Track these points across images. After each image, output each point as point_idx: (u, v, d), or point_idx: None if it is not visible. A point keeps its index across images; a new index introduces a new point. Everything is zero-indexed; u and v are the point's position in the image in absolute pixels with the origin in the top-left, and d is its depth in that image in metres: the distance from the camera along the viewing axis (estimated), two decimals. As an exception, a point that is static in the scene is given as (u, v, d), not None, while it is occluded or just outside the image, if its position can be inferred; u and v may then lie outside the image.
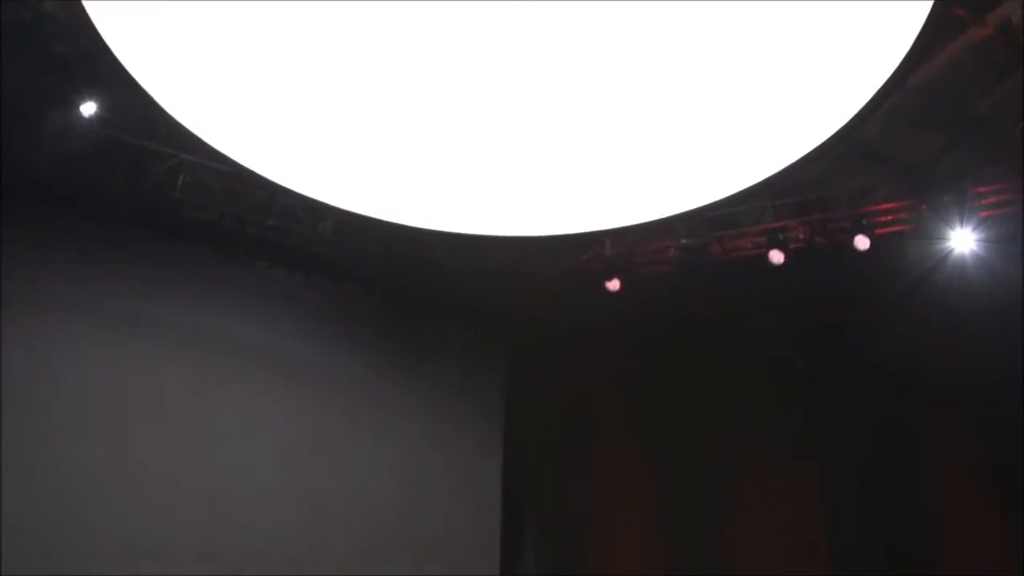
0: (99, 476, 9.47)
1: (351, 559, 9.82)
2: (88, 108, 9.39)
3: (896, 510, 11.17)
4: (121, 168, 9.97)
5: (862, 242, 10.49)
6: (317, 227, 10.81)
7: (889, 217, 10.78)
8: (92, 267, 10.07)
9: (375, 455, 10.95)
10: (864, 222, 10.61)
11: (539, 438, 12.40)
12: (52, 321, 9.72)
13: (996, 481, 10.67)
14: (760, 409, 11.80)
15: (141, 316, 10.19)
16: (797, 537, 11.53)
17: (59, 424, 9.44)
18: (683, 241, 11.14)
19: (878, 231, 10.67)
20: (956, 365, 10.85)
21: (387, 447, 11.04)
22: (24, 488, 8.99)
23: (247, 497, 10.03)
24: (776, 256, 10.82)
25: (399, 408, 11.25)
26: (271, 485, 10.21)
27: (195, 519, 9.69)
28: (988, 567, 10.51)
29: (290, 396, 10.76)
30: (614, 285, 11.42)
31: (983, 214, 10.37)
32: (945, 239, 10.54)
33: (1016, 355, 9.99)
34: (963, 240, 10.46)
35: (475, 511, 11.19)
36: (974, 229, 10.38)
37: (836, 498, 11.69)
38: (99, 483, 9.44)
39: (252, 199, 10.45)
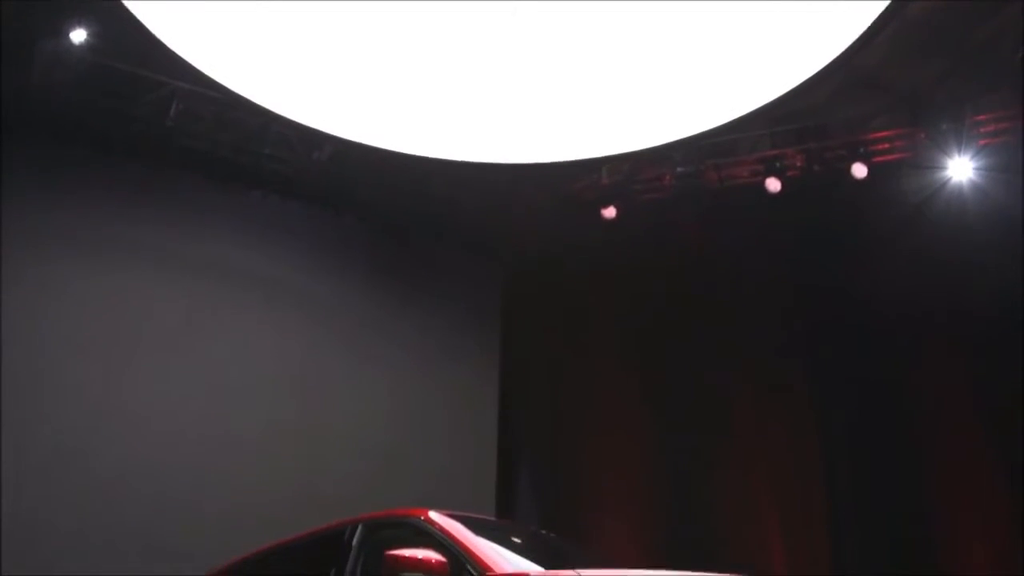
0: (96, 404, 9.52)
1: (348, 485, 9.90)
2: (79, 36, 9.30)
3: (891, 444, 11.25)
4: (114, 97, 9.90)
5: (859, 170, 10.46)
6: (312, 156, 10.75)
7: (887, 145, 10.74)
8: (87, 197, 10.03)
9: (371, 383, 11.00)
10: (862, 150, 10.58)
11: (535, 366, 12.46)
12: (48, 252, 9.70)
13: (993, 415, 10.74)
14: (755, 339, 11.84)
15: (136, 245, 10.17)
16: (790, 470, 11.64)
17: (57, 353, 9.48)
18: (679, 169, 11.11)
19: (876, 159, 10.64)
20: (953, 295, 10.87)
21: (383, 375, 11.09)
22: (23, 419, 9.05)
23: (244, 424, 10.10)
24: (773, 184, 10.80)
25: (395, 337, 11.28)
26: (268, 413, 10.27)
27: (192, 446, 9.77)
28: (982, 503, 10.62)
29: (286, 325, 10.78)
30: (610, 213, 11.40)
31: (982, 142, 10.33)
32: (943, 167, 10.51)
33: (1015, 285, 9.99)
34: (961, 168, 10.43)
35: (472, 439, 11.27)
36: (972, 157, 10.35)
37: (829, 431, 11.77)
38: (96, 411, 9.49)
39: (246, 127, 10.38)
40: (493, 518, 8.09)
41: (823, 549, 11.19)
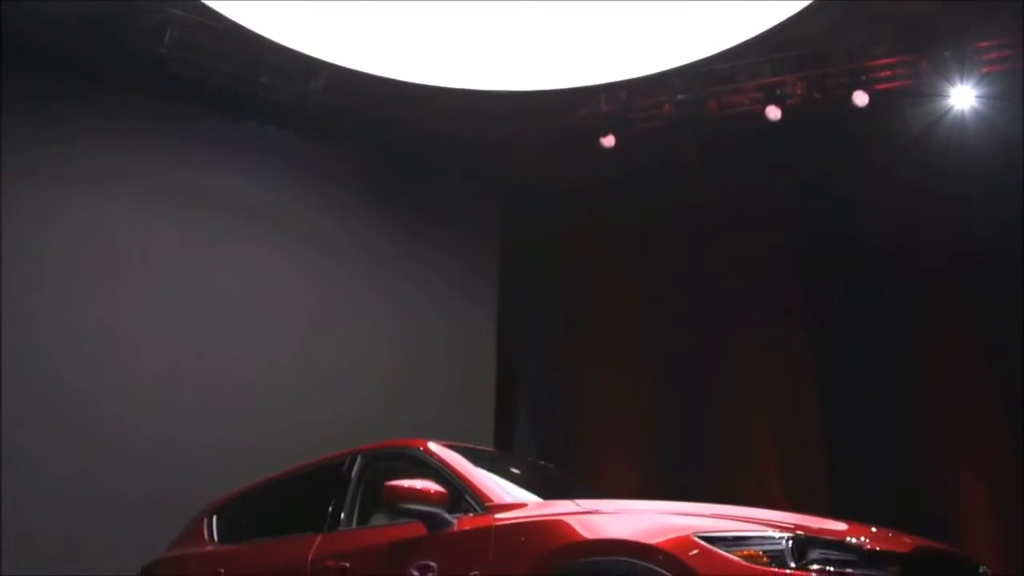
0: (95, 338, 9.53)
1: (346, 417, 9.95)
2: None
3: (891, 381, 11.29)
4: (108, 25, 9.75)
5: (860, 98, 10.36)
6: (309, 84, 10.65)
7: (888, 73, 10.62)
8: (82, 128, 9.95)
9: (369, 313, 11.01)
10: (863, 78, 10.47)
11: (533, 295, 12.47)
12: (44, 184, 9.64)
13: (994, 352, 10.77)
14: (753, 270, 11.83)
15: (132, 176, 10.11)
16: (789, 404, 11.69)
17: (56, 284, 9.47)
18: (679, 97, 11.01)
19: (877, 87, 10.53)
20: (954, 226, 10.85)
21: (381, 305, 11.09)
22: (21, 354, 9.06)
23: (243, 356, 10.13)
24: (773, 112, 10.70)
25: (393, 266, 11.26)
26: (266, 344, 10.29)
27: (191, 379, 9.80)
28: (982, 443, 10.69)
29: (284, 255, 10.76)
30: (609, 142, 11.32)
31: (984, 70, 10.22)
32: (945, 96, 10.41)
33: (1016, 215, 9.95)
34: (963, 97, 10.33)
35: (470, 368, 11.31)
36: (974, 85, 10.25)
37: (829, 363, 11.81)
38: (95, 345, 9.51)
39: (242, 56, 10.26)
40: (492, 449, 8.14)
41: (821, 484, 11.30)
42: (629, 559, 4.10)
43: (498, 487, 5.01)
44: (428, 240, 11.52)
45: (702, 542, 3.98)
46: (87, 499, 8.91)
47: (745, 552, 3.91)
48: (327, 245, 11.01)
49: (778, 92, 10.74)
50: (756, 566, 3.87)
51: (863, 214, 11.33)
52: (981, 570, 4.46)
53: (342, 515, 5.59)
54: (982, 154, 10.33)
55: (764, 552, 3.90)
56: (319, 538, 5.53)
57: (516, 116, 10.87)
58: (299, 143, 11.08)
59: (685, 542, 4.01)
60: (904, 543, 4.16)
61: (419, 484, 4.85)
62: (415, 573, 4.83)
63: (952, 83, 10.29)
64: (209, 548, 6.48)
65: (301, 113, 10.93)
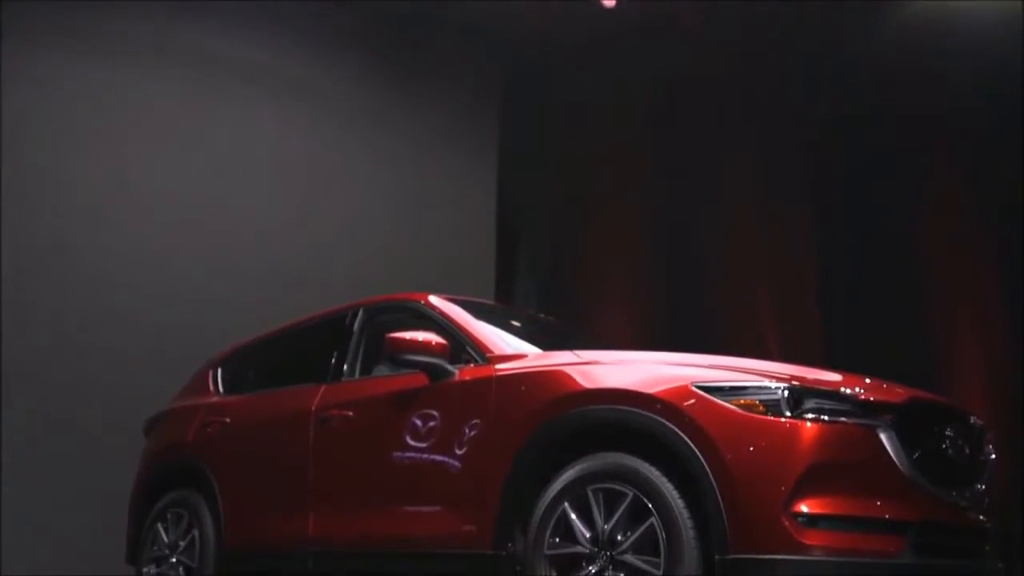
0: (97, 199, 9.46)
1: (347, 273, 9.98)
2: None
3: (889, 239, 11.31)
4: None
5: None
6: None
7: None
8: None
9: (369, 171, 10.94)
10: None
11: (533, 152, 12.38)
12: (45, 43, 9.45)
13: (989, 205, 10.75)
14: (756, 132, 11.74)
15: (132, 38, 9.90)
16: (788, 255, 11.74)
17: (56, 149, 9.37)
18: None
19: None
20: (953, 79, 10.70)
21: (381, 163, 11.01)
22: (23, 216, 9.03)
23: (244, 214, 10.10)
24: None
25: (393, 124, 11.13)
26: (267, 202, 10.25)
27: (193, 237, 9.79)
28: (974, 285, 10.75)
29: (284, 115, 10.62)
30: (610, 2, 11.06)
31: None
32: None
33: (1015, 68, 9.79)
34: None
35: (470, 225, 11.29)
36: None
37: (828, 220, 11.81)
38: (97, 206, 9.44)
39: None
40: (492, 302, 8.20)
41: (817, 338, 11.43)
42: (628, 408, 4.17)
43: (498, 338, 5.06)
44: (428, 96, 11.37)
45: (700, 392, 4.04)
46: (90, 354, 9.00)
47: (742, 401, 3.97)
48: (327, 104, 10.86)
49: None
50: (753, 415, 3.94)
51: (863, 69, 11.14)
52: (973, 421, 4.54)
53: (345, 367, 5.67)
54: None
55: (760, 402, 3.96)
56: (322, 389, 5.62)
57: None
58: (297, 2, 10.82)
59: (683, 392, 4.07)
60: (898, 394, 4.23)
61: (421, 336, 4.90)
62: (417, 422, 4.93)
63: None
64: (215, 399, 6.59)
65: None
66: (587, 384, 4.38)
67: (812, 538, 3.76)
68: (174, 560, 6.08)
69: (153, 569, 6.20)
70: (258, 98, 10.52)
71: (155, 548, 6.24)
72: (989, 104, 10.27)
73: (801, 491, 3.79)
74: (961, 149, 10.87)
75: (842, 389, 4.06)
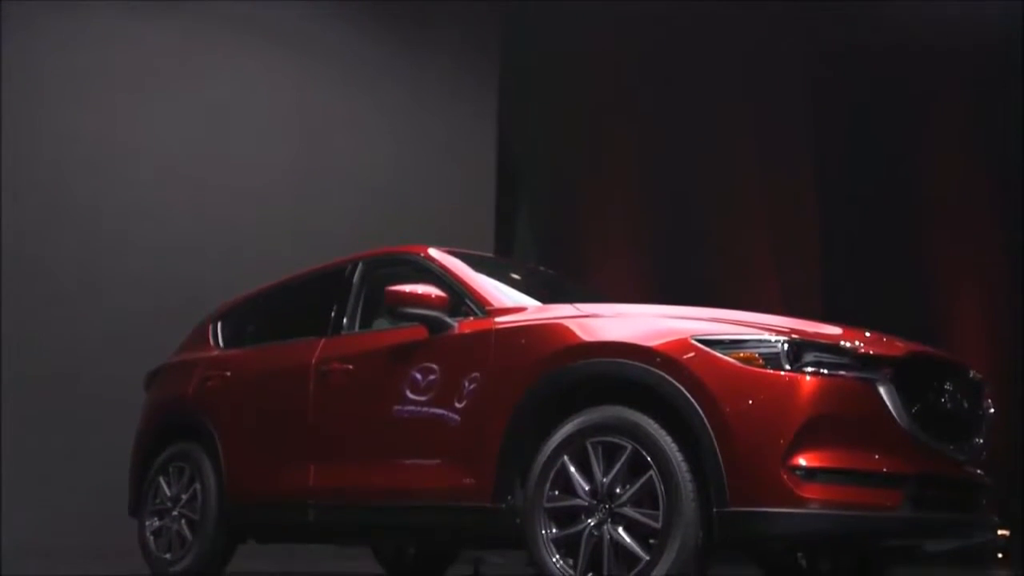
0: (95, 151, 9.46)
1: (347, 226, 9.96)
2: None
3: (887, 183, 11.26)
4: None
5: None
6: None
7: None
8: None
9: (369, 123, 10.89)
10: None
11: (533, 102, 12.31)
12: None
13: (988, 151, 10.71)
14: (757, 76, 11.67)
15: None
16: (787, 206, 11.71)
17: (55, 99, 9.34)
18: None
19: None
20: (955, 18, 10.61)
21: (382, 115, 10.96)
22: (22, 167, 9.01)
23: (243, 166, 10.07)
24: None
25: (393, 76, 11.07)
26: (267, 154, 10.22)
27: (192, 190, 9.78)
28: (976, 244, 10.73)
29: (283, 66, 10.56)
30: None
31: None
32: None
33: (1016, 7, 9.70)
34: None
35: (470, 178, 11.26)
36: None
37: (827, 163, 11.77)
38: (95, 158, 9.44)
39: None
40: (492, 255, 8.18)
41: (817, 292, 11.43)
42: (627, 361, 4.17)
43: (498, 291, 5.04)
44: (428, 47, 11.30)
45: (699, 345, 4.03)
46: (89, 308, 9.02)
47: (741, 355, 3.97)
48: (323, 51, 10.79)
49: None
50: (752, 368, 3.93)
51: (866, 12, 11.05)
52: (972, 375, 4.53)
53: (344, 320, 5.66)
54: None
55: (760, 355, 3.95)
56: (322, 342, 5.62)
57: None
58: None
59: (682, 345, 4.06)
60: (897, 347, 4.21)
61: (420, 288, 4.88)
62: (417, 375, 4.92)
63: None
64: (215, 352, 6.58)
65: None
66: (587, 337, 4.36)
67: (810, 491, 3.77)
68: (176, 513, 6.11)
69: (155, 522, 6.23)
70: (257, 49, 10.46)
71: (157, 501, 6.27)
72: (992, 45, 10.21)
73: (799, 444, 3.80)
74: (964, 92, 10.82)
75: (842, 343, 4.05)
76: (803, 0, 11.30)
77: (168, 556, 6.07)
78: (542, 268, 6.94)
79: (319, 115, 10.66)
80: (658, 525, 3.92)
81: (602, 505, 4.07)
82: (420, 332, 4.96)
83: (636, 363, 4.13)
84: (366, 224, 9.91)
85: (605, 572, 4.00)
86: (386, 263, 5.77)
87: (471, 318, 4.88)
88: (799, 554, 5.13)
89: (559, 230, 12.43)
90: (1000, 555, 9.55)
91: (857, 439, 3.91)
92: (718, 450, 3.85)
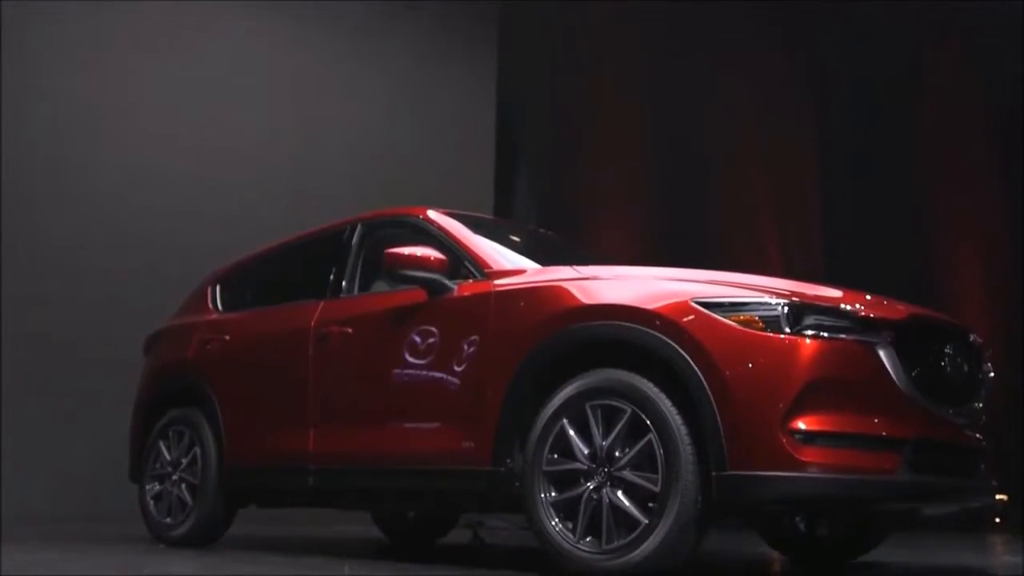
0: (93, 117, 9.38)
1: (346, 188, 9.92)
2: None
3: (888, 138, 11.21)
4: None
5: None
6: None
7: None
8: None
9: (367, 84, 10.83)
10: None
11: (533, 65, 12.24)
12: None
13: (989, 102, 10.65)
14: (755, 36, 11.60)
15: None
16: (787, 166, 11.68)
17: (52, 65, 9.25)
18: None
19: None
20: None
21: (380, 76, 10.89)
22: (21, 133, 8.95)
23: (242, 129, 10.01)
24: None
25: (391, 36, 10.99)
26: (265, 117, 10.16)
27: (191, 153, 9.72)
28: (975, 199, 10.70)
29: (279, 27, 10.46)
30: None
31: None
32: None
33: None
34: None
35: (470, 139, 11.21)
36: None
37: (828, 122, 11.72)
38: (92, 124, 9.37)
39: None
40: (491, 217, 8.15)
41: (818, 254, 11.41)
42: (627, 323, 4.15)
43: (497, 254, 5.01)
44: (426, 9, 11.20)
45: (699, 307, 4.01)
46: (88, 273, 8.99)
47: (741, 317, 3.95)
48: (324, 16, 10.70)
49: None
50: (752, 331, 3.91)
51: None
52: (972, 338, 4.52)
53: (343, 283, 5.64)
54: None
55: (760, 317, 3.93)
56: (321, 305, 5.60)
57: None
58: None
59: (683, 307, 4.04)
60: (898, 310, 4.20)
61: (419, 251, 4.86)
62: (416, 338, 4.91)
63: None
64: (214, 316, 6.57)
65: None
66: (586, 300, 4.34)
67: (809, 455, 3.76)
68: (176, 477, 6.12)
69: (156, 486, 6.25)
70: (255, 11, 10.37)
71: (157, 466, 6.28)
72: (995, 5, 10.14)
73: (799, 408, 3.79)
74: (966, 49, 10.76)
75: (842, 306, 4.03)
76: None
77: (168, 520, 6.09)
78: (541, 230, 6.91)
79: (317, 77, 10.58)
80: (657, 489, 3.91)
81: (601, 468, 4.07)
82: (419, 295, 4.94)
83: (636, 326, 4.11)
84: (365, 187, 9.87)
85: (604, 535, 4.00)
86: (385, 225, 5.75)
87: (470, 280, 4.86)
88: (798, 518, 5.14)
89: (559, 191, 12.39)
90: (998, 519, 9.59)
91: (857, 403, 3.89)
92: (717, 413, 3.83)
